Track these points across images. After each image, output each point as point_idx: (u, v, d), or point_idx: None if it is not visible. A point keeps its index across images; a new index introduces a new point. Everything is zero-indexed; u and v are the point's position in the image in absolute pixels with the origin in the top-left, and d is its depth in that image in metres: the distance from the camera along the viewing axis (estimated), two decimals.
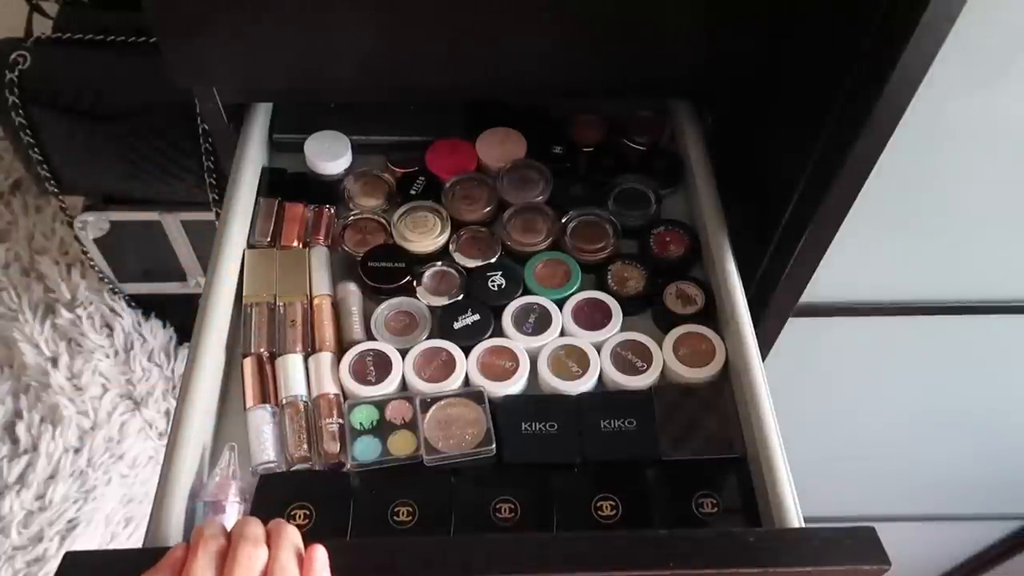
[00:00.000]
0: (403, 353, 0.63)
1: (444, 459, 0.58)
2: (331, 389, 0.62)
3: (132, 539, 1.02)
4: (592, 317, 0.66)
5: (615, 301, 0.67)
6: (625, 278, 0.69)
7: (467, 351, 0.64)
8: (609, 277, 0.68)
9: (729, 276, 0.66)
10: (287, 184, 0.75)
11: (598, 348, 0.64)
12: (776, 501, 0.54)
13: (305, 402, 0.61)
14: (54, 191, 0.97)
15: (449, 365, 0.63)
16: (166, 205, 0.99)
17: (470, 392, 0.61)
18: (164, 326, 1.15)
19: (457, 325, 0.65)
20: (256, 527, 0.45)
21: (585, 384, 0.62)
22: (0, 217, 1.11)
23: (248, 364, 0.62)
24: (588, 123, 0.80)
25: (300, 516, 0.56)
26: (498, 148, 0.77)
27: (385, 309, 0.67)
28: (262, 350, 0.63)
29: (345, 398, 0.62)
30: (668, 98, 0.80)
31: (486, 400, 0.61)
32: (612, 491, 0.57)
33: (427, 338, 0.65)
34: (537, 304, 0.67)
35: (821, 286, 0.72)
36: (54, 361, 1.05)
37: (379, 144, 0.78)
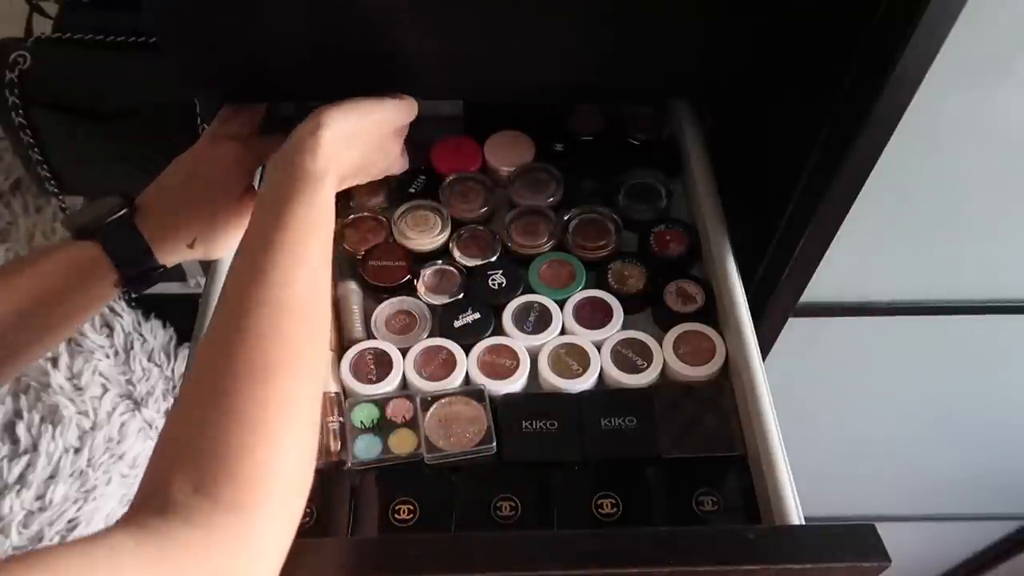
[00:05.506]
0: (403, 352, 0.63)
1: (445, 457, 0.58)
2: (332, 388, 0.62)
3: None
4: (593, 315, 0.66)
5: (616, 299, 0.67)
6: (625, 276, 0.69)
7: (467, 350, 0.64)
8: (609, 275, 0.68)
9: (729, 275, 0.66)
10: None
11: (598, 346, 0.64)
12: (776, 499, 0.54)
13: None
14: (54, 191, 0.96)
15: (449, 364, 0.63)
16: None
17: (471, 390, 0.61)
18: (164, 326, 1.14)
19: (457, 324, 0.65)
20: None
21: (585, 382, 0.62)
22: (0, 217, 1.11)
23: None
24: (588, 111, 0.80)
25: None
26: (506, 151, 0.77)
27: (386, 308, 0.67)
28: None
29: (346, 396, 0.62)
30: (668, 98, 0.80)
31: (487, 398, 0.61)
32: (612, 489, 0.57)
33: (427, 337, 0.65)
34: (537, 303, 0.67)
35: (821, 286, 0.72)
36: (54, 361, 1.05)
37: None
